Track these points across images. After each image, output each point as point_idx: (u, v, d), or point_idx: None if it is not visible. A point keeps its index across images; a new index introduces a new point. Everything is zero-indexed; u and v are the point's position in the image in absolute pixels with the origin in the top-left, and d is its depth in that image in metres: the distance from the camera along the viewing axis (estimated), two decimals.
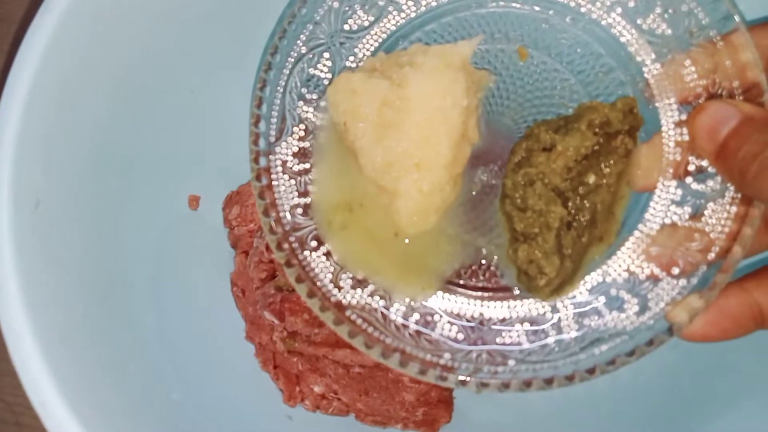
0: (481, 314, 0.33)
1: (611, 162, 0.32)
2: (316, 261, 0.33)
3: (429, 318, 0.33)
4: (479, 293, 0.33)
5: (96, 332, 0.34)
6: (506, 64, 0.36)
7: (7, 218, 0.32)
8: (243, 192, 0.43)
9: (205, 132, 0.43)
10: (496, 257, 0.33)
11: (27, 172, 0.33)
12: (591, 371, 0.30)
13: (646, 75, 0.34)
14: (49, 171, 0.34)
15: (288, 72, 0.35)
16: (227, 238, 0.44)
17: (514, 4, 0.36)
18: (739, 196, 0.31)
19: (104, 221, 0.37)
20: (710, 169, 0.32)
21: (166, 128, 0.41)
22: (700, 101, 0.33)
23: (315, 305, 0.32)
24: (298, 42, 0.35)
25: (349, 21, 0.36)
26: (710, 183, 0.32)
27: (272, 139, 0.35)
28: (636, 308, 0.31)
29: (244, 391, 0.40)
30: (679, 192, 0.32)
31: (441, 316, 0.33)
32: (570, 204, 0.31)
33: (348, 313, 0.32)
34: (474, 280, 0.33)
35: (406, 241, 0.33)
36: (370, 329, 0.32)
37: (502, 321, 0.32)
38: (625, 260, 0.32)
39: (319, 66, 0.36)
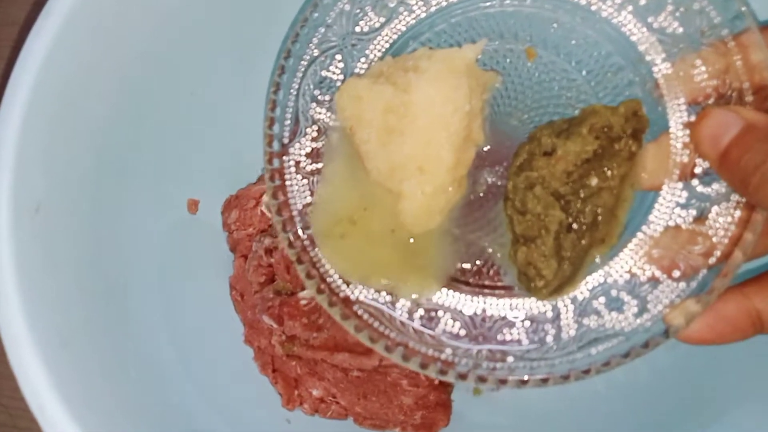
0: (483, 311, 0.34)
1: (614, 165, 0.32)
2: None
3: (433, 314, 0.34)
4: (482, 291, 0.34)
5: (95, 336, 0.34)
6: (514, 64, 0.36)
7: (6, 223, 0.32)
8: (242, 196, 0.43)
9: (205, 136, 0.43)
10: (499, 255, 0.34)
11: (27, 177, 0.33)
12: (586, 371, 0.31)
13: (655, 75, 0.34)
14: (49, 176, 0.34)
15: (301, 75, 0.36)
16: (226, 242, 0.45)
17: (524, 3, 0.36)
18: (743, 200, 0.31)
19: (104, 225, 0.37)
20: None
21: (166, 132, 0.41)
22: (709, 102, 0.33)
23: (324, 300, 0.34)
24: (311, 45, 0.36)
25: (361, 23, 0.37)
26: (715, 186, 0.32)
27: (285, 141, 0.36)
28: (635, 310, 0.32)
29: (243, 394, 0.41)
30: (685, 194, 0.32)
31: (444, 313, 0.34)
32: (570, 207, 0.32)
33: (355, 308, 0.34)
34: (477, 278, 0.34)
35: (411, 240, 0.34)
36: (376, 324, 0.34)
37: (504, 319, 0.33)
38: (627, 261, 0.33)
39: (331, 68, 0.36)
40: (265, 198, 0.43)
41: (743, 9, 0.32)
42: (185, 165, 0.43)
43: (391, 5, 0.37)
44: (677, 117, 0.33)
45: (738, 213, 0.31)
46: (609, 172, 0.32)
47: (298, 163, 0.36)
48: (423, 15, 0.36)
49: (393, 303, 0.34)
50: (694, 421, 0.37)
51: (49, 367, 0.31)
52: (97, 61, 0.36)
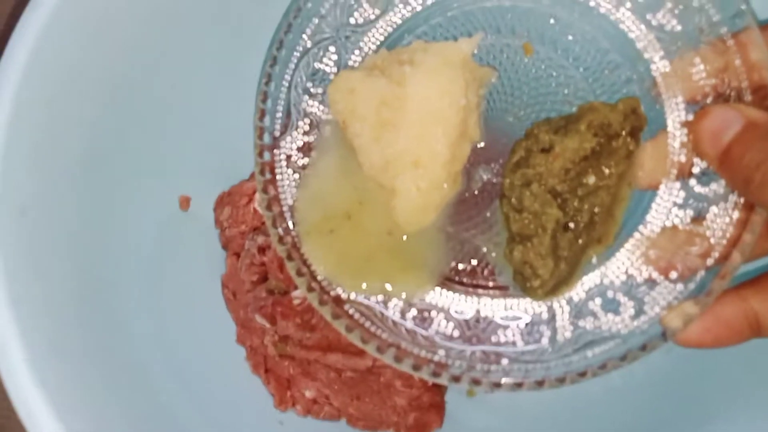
0: (478, 312, 0.33)
1: (612, 163, 0.32)
2: None
3: (426, 314, 0.33)
4: (477, 291, 0.33)
5: (84, 339, 0.34)
6: (511, 59, 0.35)
7: None
8: (234, 193, 0.43)
9: (196, 132, 0.43)
10: (494, 255, 0.34)
11: (12, 179, 0.32)
12: (582, 374, 0.31)
13: (653, 72, 0.33)
14: (35, 177, 0.33)
15: (293, 66, 0.35)
16: (219, 240, 0.44)
17: None
18: (741, 200, 0.31)
19: (93, 225, 0.36)
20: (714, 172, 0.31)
21: (156, 128, 0.40)
22: (708, 101, 0.32)
23: (314, 299, 0.33)
24: (304, 36, 0.36)
25: (355, 14, 0.36)
26: (713, 186, 0.31)
27: (277, 134, 0.35)
28: (631, 311, 0.31)
29: (235, 395, 0.40)
30: (682, 194, 0.32)
31: (438, 313, 0.33)
32: (567, 206, 0.31)
33: (346, 307, 0.33)
34: (472, 277, 0.34)
35: (404, 237, 0.33)
36: (368, 324, 0.33)
37: (498, 320, 0.33)
38: (624, 262, 0.32)
39: (324, 60, 0.36)
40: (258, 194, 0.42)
41: (743, 7, 0.32)
42: (177, 161, 0.42)
43: None
44: (675, 116, 0.33)
45: (736, 214, 0.31)
46: (607, 171, 0.32)
47: (289, 157, 0.35)
48: (419, 8, 0.36)
49: (385, 302, 0.33)
50: (690, 425, 0.36)
51: (37, 373, 0.31)
52: (84, 58, 0.35)
